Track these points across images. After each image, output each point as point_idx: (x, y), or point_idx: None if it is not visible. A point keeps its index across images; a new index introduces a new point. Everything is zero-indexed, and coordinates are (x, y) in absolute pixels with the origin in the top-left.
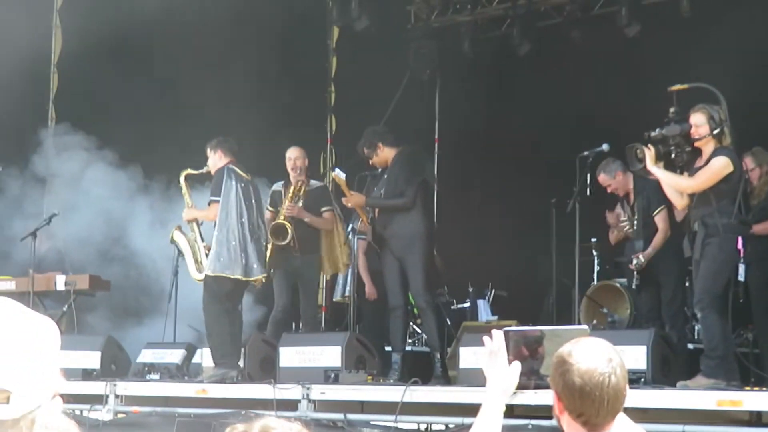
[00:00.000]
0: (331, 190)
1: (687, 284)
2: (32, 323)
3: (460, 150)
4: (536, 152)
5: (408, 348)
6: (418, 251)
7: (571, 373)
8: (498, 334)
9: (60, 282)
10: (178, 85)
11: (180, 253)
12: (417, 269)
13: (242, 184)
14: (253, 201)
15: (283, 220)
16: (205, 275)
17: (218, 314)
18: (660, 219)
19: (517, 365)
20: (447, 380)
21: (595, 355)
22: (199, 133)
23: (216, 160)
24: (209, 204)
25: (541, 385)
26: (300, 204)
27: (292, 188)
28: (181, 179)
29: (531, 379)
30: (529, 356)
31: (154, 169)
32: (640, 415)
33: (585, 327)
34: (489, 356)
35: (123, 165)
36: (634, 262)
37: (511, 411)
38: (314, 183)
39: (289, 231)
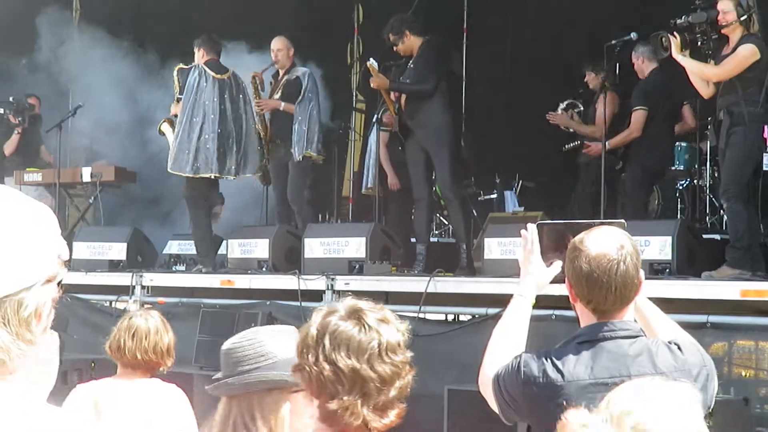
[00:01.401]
0: (358, 80)
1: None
2: (18, 208)
3: (488, 41)
4: (566, 42)
5: (433, 239)
6: (445, 142)
7: (580, 259)
8: (532, 228)
9: (86, 173)
10: None
11: None
12: (443, 160)
13: (205, 82)
14: (234, 100)
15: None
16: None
17: (194, 211)
18: (633, 118)
19: (558, 264)
20: (472, 271)
21: (606, 242)
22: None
23: (198, 58)
24: (177, 100)
25: None
26: (278, 94)
27: (252, 85)
28: (174, 73)
29: (564, 273)
30: (563, 249)
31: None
32: (664, 305)
33: (622, 220)
34: (523, 249)
35: (147, 55)
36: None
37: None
38: (298, 70)
39: (260, 127)
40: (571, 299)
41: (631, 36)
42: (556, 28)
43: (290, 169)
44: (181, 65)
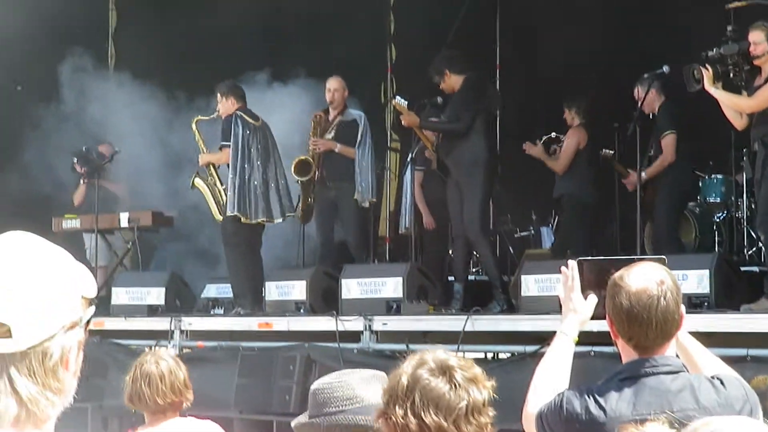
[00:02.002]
0: (392, 119)
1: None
2: (33, 255)
3: (521, 76)
4: (599, 75)
5: (471, 277)
6: (478, 178)
7: (620, 296)
8: (573, 264)
9: (123, 219)
10: (234, 24)
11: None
12: (474, 195)
13: (248, 131)
14: (268, 146)
15: (308, 155)
16: (223, 217)
17: (234, 255)
18: (664, 143)
19: (593, 298)
20: (509, 308)
21: (646, 278)
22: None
23: (228, 106)
24: (220, 148)
25: None
26: (332, 135)
27: (312, 123)
28: (193, 125)
29: (605, 308)
30: (604, 285)
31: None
32: (704, 339)
33: (662, 256)
34: (564, 286)
35: (180, 101)
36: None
37: None
38: (352, 113)
39: (312, 166)
40: (612, 336)
41: (664, 69)
42: (589, 61)
43: (350, 213)
44: (200, 117)
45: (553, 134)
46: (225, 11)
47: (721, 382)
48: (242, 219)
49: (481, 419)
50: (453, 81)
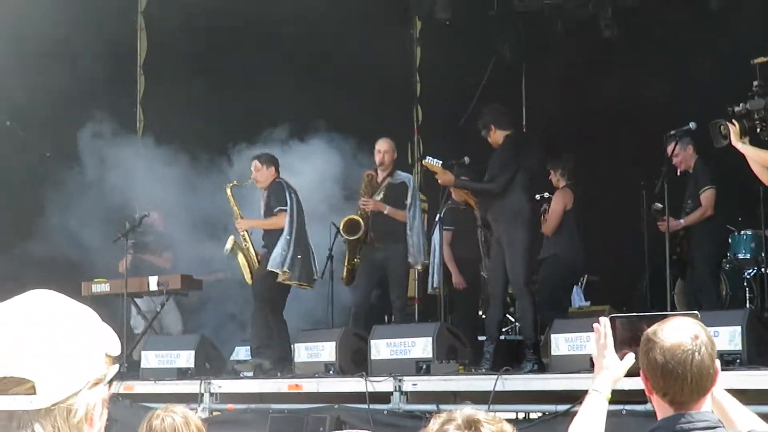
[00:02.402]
0: (420, 180)
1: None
2: (57, 313)
3: (546, 136)
4: (623, 134)
5: (501, 337)
6: (519, 232)
7: (654, 351)
8: (605, 321)
9: (152, 283)
10: (260, 84)
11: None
12: (515, 249)
13: (295, 197)
14: (302, 212)
15: (358, 215)
16: (266, 271)
17: (262, 309)
18: (704, 197)
19: (630, 357)
20: (540, 368)
21: (680, 332)
22: (291, 128)
23: (269, 174)
24: (276, 213)
25: None
26: (380, 196)
27: (363, 183)
28: (228, 191)
29: (638, 365)
30: (636, 342)
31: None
32: (737, 396)
33: (695, 312)
34: (597, 344)
35: (208, 167)
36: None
37: None
38: (401, 175)
39: (362, 226)
40: (647, 392)
41: (690, 126)
42: (617, 115)
43: (399, 274)
44: (236, 182)
45: (546, 194)
46: (251, 66)
47: None
48: (280, 277)
49: None
50: (497, 136)
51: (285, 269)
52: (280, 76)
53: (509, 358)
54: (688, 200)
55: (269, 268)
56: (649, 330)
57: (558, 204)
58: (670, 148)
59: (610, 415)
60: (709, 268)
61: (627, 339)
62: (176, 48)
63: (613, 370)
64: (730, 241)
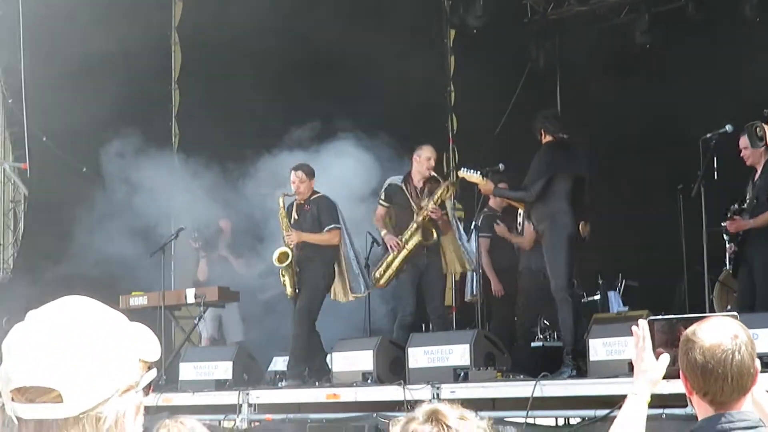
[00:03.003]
0: (455, 191)
1: None
2: (92, 317)
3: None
4: (660, 139)
5: (538, 343)
6: (558, 238)
7: (694, 351)
8: (644, 324)
9: (190, 295)
10: (296, 94)
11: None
12: (554, 255)
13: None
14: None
15: (427, 220)
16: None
17: (306, 322)
18: None
19: (666, 357)
20: (578, 374)
21: (720, 332)
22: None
23: (310, 186)
24: (329, 230)
25: None
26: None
27: (440, 191)
28: (280, 201)
29: (677, 367)
30: (675, 345)
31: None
32: None
33: (734, 313)
34: (636, 347)
35: (233, 172)
36: (728, 222)
37: None
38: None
39: (434, 232)
40: (687, 392)
41: (726, 128)
42: (653, 120)
43: (438, 280)
44: (286, 193)
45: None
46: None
47: None
48: (351, 295)
49: None
50: (546, 141)
51: (363, 292)
52: (313, 84)
53: (547, 364)
54: (753, 199)
55: (357, 294)
56: (688, 330)
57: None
58: (741, 140)
59: (650, 419)
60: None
61: (665, 341)
62: (210, 61)
63: (651, 373)
64: None
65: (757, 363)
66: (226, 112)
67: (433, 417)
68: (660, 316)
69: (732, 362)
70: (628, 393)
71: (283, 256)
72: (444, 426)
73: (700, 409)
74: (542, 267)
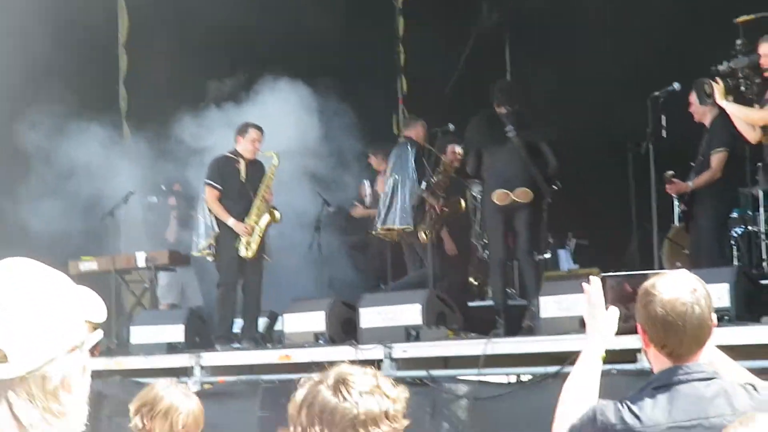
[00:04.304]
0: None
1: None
2: (38, 279)
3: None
4: (610, 97)
5: (490, 302)
6: (488, 208)
7: (653, 304)
8: (596, 281)
9: (140, 259)
10: (245, 52)
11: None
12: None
13: None
14: None
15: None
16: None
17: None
18: (715, 159)
19: (614, 310)
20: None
21: (679, 286)
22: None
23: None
24: None
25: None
26: None
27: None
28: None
29: (629, 324)
30: (628, 301)
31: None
32: (726, 352)
33: (685, 270)
34: (588, 304)
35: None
36: (667, 186)
37: None
38: None
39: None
40: (643, 345)
41: (674, 86)
42: (600, 84)
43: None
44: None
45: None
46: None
47: (754, 388)
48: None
49: (377, 430)
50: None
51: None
52: (262, 42)
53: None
54: (700, 156)
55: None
56: (647, 283)
57: (380, 187)
58: (692, 97)
59: (601, 375)
60: (712, 228)
61: (616, 298)
62: (158, 24)
63: (604, 330)
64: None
65: (714, 317)
66: (173, 73)
67: (339, 384)
68: (611, 273)
69: (692, 315)
70: (582, 350)
71: (275, 216)
72: (343, 396)
73: (657, 361)
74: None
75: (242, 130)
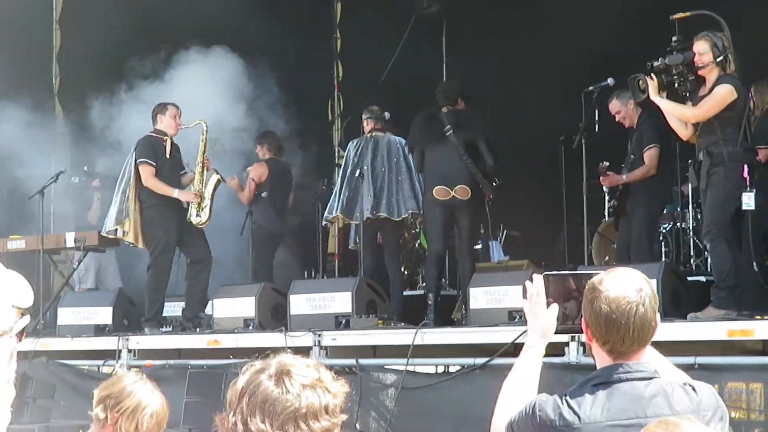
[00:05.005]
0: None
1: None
2: None
3: (467, 91)
4: (543, 91)
5: (420, 291)
6: (427, 208)
7: (599, 300)
8: (538, 278)
9: (69, 239)
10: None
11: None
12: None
13: None
14: None
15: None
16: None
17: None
18: (648, 155)
19: (554, 307)
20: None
21: (625, 284)
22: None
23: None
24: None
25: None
26: None
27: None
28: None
29: (571, 322)
30: (570, 299)
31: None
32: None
33: (633, 269)
34: (529, 300)
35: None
36: (601, 178)
37: (516, 350)
38: None
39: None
40: (586, 339)
41: (608, 82)
42: (537, 78)
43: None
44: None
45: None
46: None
47: (693, 389)
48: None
49: (316, 424)
50: None
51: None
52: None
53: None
54: (632, 155)
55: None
56: (595, 279)
57: (255, 174)
58: (611, 105)
59: None
60: (644, 224)
61: (558, 295)
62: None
63: (545, 327)
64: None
65: (658, 317)
66: (104, 49)
67: (281, 375)
68: (554, 271)
69: (635, 314)
70: (524, 345)
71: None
72: (285, 388)
73: (600, 357)
74: (262, 222)
75: (161, 109)
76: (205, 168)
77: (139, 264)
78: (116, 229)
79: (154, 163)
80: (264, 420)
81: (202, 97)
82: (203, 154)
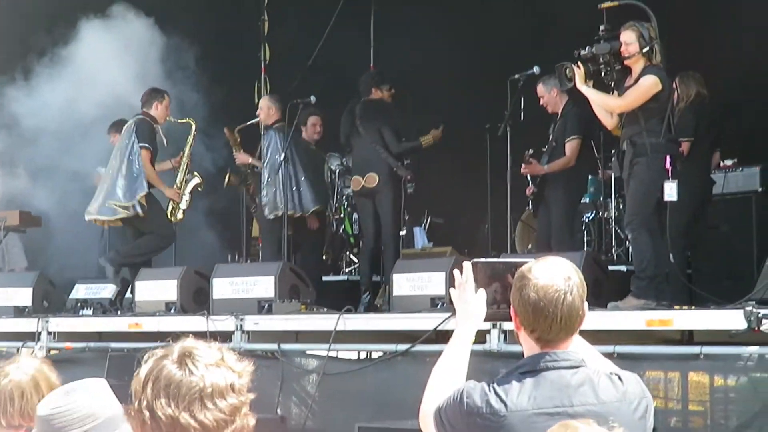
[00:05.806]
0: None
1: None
2: None
3: (393, 77)
4: (472, 76)
5: (343, 277)
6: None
7: (527, 288)
8: (467, 266)
9: None
10: None
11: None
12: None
13: None
14: None
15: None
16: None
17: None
18: (569, 147)
19: (482, 293)
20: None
21: (554, 272)
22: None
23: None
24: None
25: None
26: None
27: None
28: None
29: (501, 309)
30: (499, 287)
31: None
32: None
33: (563, 258)
34: (458, 287)
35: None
36: (523, 166)
37: (438, 337)
38: None
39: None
40: (514, 327)
41: (534, 70)
42: (464, 65)
43: None
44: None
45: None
46: None
47: (619, 378)
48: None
49: (222, 403)
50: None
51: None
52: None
53: (353, 298)
54: (552, 142)
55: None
56: (525, 267)
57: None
58: (538, 89)
59: (488, 354)
60: (562, 212)
61: (487, 283)
62: None
63: (475, 314)
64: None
65: (586, 306)
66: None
67: (184, 357)
68: (482, 259)
69: (563, 303)
70: (453, 332)
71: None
72: (188, 370)
73: (527, 345)
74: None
75: (158, 96)
76: (187, 168)
77: (48, 246)
78: (133, 204)
79: (152, 149)
80: (170, 403)
81: (106, 67)
82: (189, 154)
